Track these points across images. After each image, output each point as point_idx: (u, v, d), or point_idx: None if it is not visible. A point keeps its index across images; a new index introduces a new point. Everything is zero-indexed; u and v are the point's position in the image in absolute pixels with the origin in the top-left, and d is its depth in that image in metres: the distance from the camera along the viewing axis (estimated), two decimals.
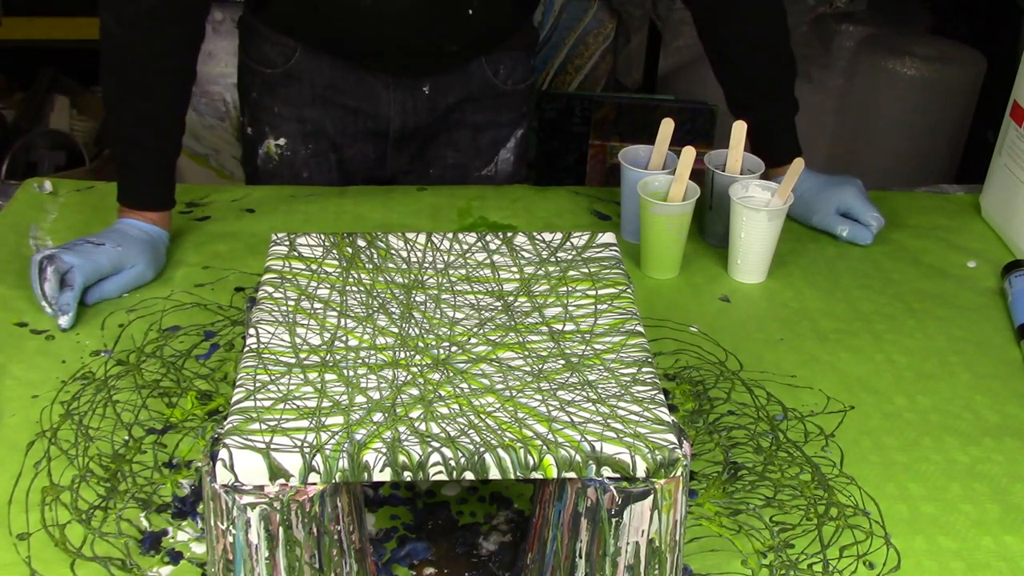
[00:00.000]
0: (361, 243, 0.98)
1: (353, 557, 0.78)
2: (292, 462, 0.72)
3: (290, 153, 1.44)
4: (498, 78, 1.44)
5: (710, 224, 1.31)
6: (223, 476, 0.72)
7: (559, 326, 0.88)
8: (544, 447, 0.73)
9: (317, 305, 0.89)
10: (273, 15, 1.37)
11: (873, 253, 1.32)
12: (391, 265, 0.95)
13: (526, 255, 0.97)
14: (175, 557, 0.85)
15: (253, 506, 0.72)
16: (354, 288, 0.92)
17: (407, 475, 0.73)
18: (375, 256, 0.96)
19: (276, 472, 0.72)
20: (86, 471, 0.93)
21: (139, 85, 1.18)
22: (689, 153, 1.20)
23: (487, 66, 1.43)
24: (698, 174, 1.22)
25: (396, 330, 0.86)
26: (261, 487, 0.72)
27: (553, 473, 0.74)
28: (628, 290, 0.93)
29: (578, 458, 0.73)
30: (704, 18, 1.31)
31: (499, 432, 0.75)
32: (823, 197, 1.33)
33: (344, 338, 0.85)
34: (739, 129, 1.26)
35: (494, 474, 0.73)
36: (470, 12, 1.31)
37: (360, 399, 0.78)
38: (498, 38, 1.41)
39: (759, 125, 1.27)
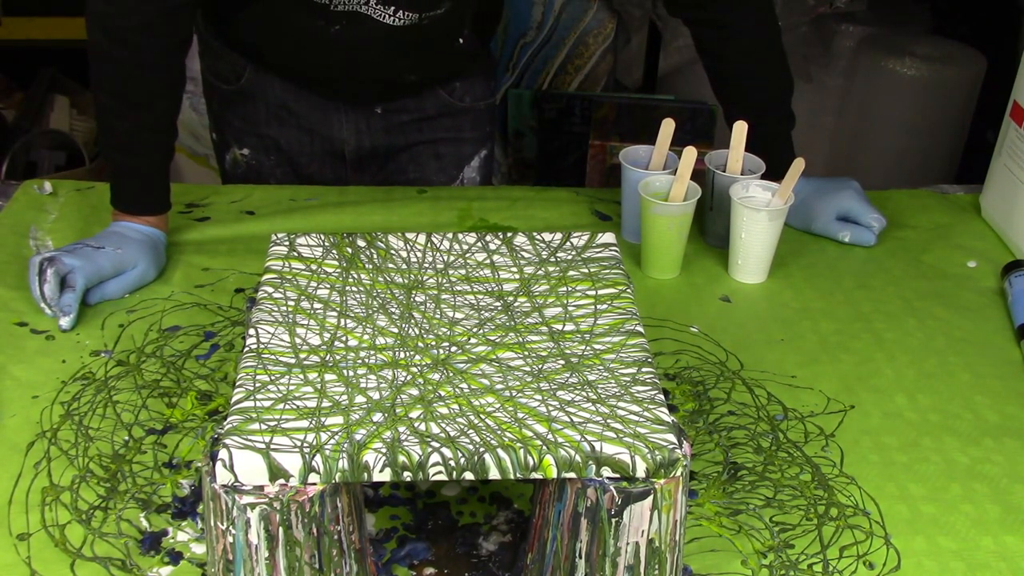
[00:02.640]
0: (361, 243, 0.98)
1: (353, 557, 0.78)
2: (292, 462, 0.72)
3: (255, 162, 1.45)
4: (454, 96, 1.44)
5: (711, 224, 1.31)
6: (223, 476, 0.72)
7: (559, 326, 0.87)
8: (544, 447, 0.73)
9: (317, 305, 0.89)
10: (226, 31, 1.36)
11: (873, 253, 1.32)
12: (391, 265, 0.95)
13: (526, 255, 0.97)
14: (175, 557, 0.85)
15: (253, 506, 0.72)
16: (354, 288, 0.92)
17: (407, 475, 0.73)
18: (375, 256, 0.96)
19: (276, 472, 0.72)
20: (86, 471, 0.93)
21: (131, 96, 1.17)
22: (690, 153, 1.20)
23: (441, 87, 1.43)
24: (698, 174, 1.22)
25: (396, 330, 0.86)
26: (261, 487, 0.72)
27: (553, 473, 0.74)
28: (628, 290, 0.93)
29: (578, 458, 0.73)
30: (703, 38, 1.32)
31: (499, 432, 0.75)
32: (821, 203, 1.33)
33: (344, 338, 0.85)
34: (740, 129, 1.26)
35: (494, 474, 0.73)
36: (452, 52, 1.32)
37: (360, 399, 0.78)
38: (458, 68, 1.42)
39: (757, 140, 1.27)
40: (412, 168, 1.48)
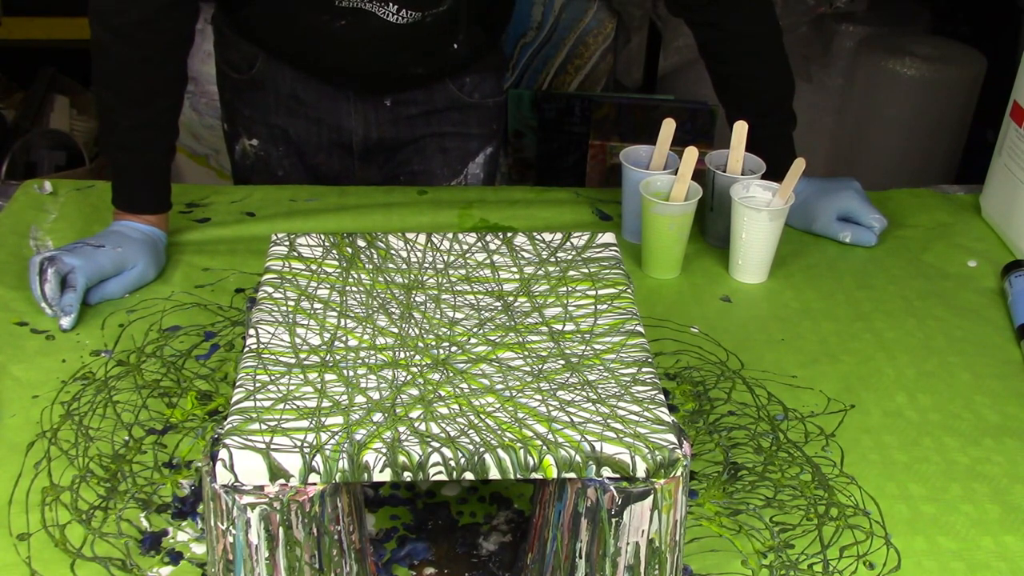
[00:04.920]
0: (361, 243, 0.98)
1: (353, 557, 0.78)
2: (292, 462, 0.72)
3: (264, 153, 1.45)
4: (464, 91, 1.44)
5: (711, 224, 1.31)
6: (223, 476, 0.72)
7: (559, 326, 0.87)
8: (544, 447, 0.73)
9: (317, 305, 0.89)
10: (239, 20, 1.37)
11: (874, 253, 1.32)
12: (391, 265, 0.95)
13: (526, 255, 0.97)
14: (175, 557, 0.85)
15: (253, 506, 0.72)
16: (354, 288, 0.92)
17: (407, 475, 0.73)
18: (375, 256, 0.96)
19: (276, 472, 0.72)
20: (86, 471, 0.93)
21: (132, 93, 1.17)
22: (691, 153, 1.20)
23: (451, 81, 1.43)
24: (699, 174, 1.22)
25: (396, 330, 0.86)
26: (261, 487, 0.72)
27: (553, 473, 0.74)
28: (628, 290, 0.93)
29: (578, 458, 0.73)
30: (704, 39, 1.33)
31: (499, 432, 0.75)
32: (822, 203, 1.33)
33: (344, 338, 0.85)
34: (740, 129, 1.26)
35: (494, 474, 0.73)
36: (455, 47, 1.33)
37: (360, 399, 0.78)
38: (464, 64, 1.42)
39: (758, 140, 1.27)
40: (417, 160, 1.48)
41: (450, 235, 1.00)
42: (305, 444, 0.73)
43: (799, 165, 1.21)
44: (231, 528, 0.72)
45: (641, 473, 0.74)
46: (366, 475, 0.73)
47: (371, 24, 1.26)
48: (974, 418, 1.03)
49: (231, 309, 1.16)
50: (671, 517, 0.76)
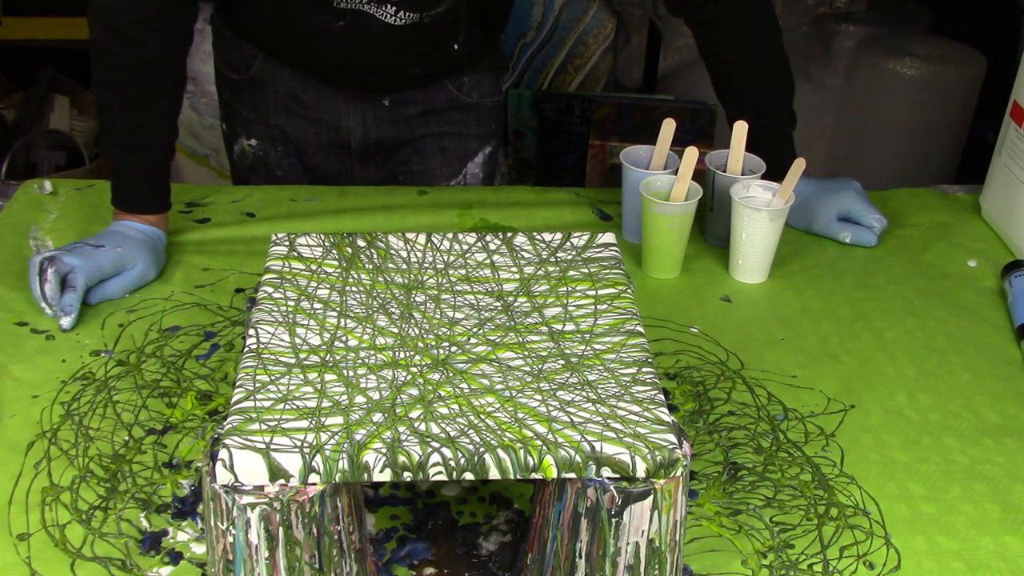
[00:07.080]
0: (361, 243, 0.98)
1: (353, 557, 0.78)
2: (292, 462, 0.72)
3: (262, 153, 1.46)
4: (462, 91, 1.44)
5: (711, 224, 1.31)
6: (223, 476, 0.72)
7: (559, 326, 0.87)
8: (544, 447, 0.73)
9: (317, 305, 0.89)
10: (237, 20, 1.37)
11: (874, 252, 1.32)
12: (391, 265, 0.95)
13: (526, 255, 0.97)
14: (175, 557, 0.85)
15: (253, 506, 0.72)
16: (354, 288, 0.92)
17: (407, 475, 0.73)
18: (375, 256, 0.96)
19: (276, 472, 0.72)
20: (86, 471, 0.93)
21: (132, 93, 1.18)
22: (692, 153, 1.20)
23: (449, 80, 1.43)
24: (699, 174, 1.22)
25: (396, 330, 0.86)
26: (261, 487, 0.72)
27: (553, 473, 0.74)
28: (628, 290, 0.93)
29: (578, 458, 0.73)
30: (704, 39, 1.33)
31: (499, 432, 0.75)
32: (822, 203, 1.33)
33: (344, 338, 0.85)
34: (740, 129, 1.26)
35: (494, 474, 0.73)
36: (455, 47, 1.33)
37: (360, 399, 0.78)
38: (463, 64, 1.42)
39: (758, 140, 1.27)
40: (416, 160, 1.48)
41: (450, 235, 0.99)
42: (305, 444, 0.73)
43: (799, 165, 1.21)
44: (231, 528, 0.72)
45: (641, 473, 0.74)
46: (366, 475, 0.73)
47: (370, 25, 1.26)
48: (974, 418, 1.03)
49: (231, 309, 1.16)
50: (671, 517, 0.76)
